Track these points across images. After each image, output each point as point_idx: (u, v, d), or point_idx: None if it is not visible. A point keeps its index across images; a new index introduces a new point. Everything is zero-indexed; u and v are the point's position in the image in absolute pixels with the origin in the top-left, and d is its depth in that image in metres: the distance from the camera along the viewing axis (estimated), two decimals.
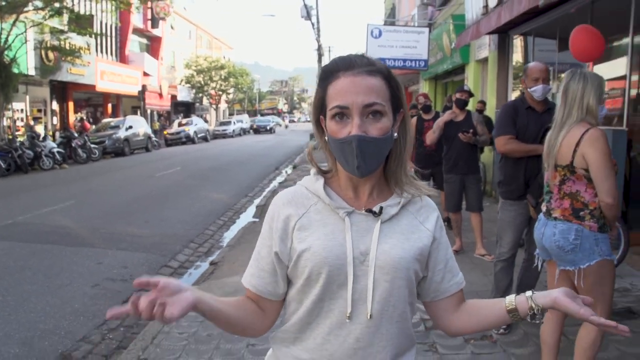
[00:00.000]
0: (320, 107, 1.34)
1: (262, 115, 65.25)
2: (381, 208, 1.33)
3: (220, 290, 5.45)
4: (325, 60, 32.22)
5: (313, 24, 27.49)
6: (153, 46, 38.70)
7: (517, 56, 10.67)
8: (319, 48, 31.83)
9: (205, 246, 7.74)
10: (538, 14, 8.20)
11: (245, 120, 47.23)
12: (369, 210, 1.33)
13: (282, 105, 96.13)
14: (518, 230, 4.19)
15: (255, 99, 77.08)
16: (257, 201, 11.48)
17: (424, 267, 1.38)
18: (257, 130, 47.76)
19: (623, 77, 6.97)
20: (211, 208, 10.34)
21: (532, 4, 6.52)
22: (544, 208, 3.08)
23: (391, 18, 26.29)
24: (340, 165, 1.33)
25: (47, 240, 7.52)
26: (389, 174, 1.38)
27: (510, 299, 1.30)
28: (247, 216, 9.95)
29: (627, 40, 6.74)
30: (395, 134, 1.32)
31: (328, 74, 1.31)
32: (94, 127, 26.42)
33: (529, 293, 1.28)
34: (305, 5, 26.27)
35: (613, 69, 7.56)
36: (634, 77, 6.85)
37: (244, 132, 44.41)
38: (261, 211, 9.95)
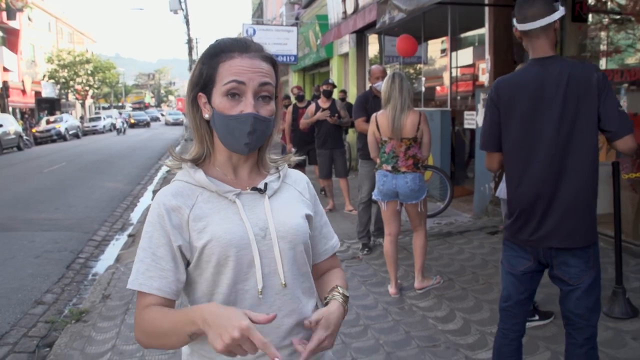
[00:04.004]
0: (202, 83, 1.33)
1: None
2: (265, 184, 1.39)
3: None
4: (197, 52, 32.97)
5: (186, 18, 28.22)
6: (10, 39, 36.57)
7: (372, 50, 12.71)
8: (190, 41, 32.58)
9: (118, 224, 8.88)
10: None
11: (114, 116, 46.47)
12: (254, 188, 1.38)
13: (150, 99, 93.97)
14: (372, 180, 6.00)
15: (122, 93, 74.80)
16: (150, 187, 12.65)
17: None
18: (135, 125, 47.56)
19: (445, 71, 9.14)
20: (111, 195, 11.32)
21: (376, 17, 8.36)
22: (386, 168, 4.55)
23: (258, 13, 27.80)
24: (224, 142, 1.35)
25: None
26: (261, 154, 1.44)
27: (329, 298, 1.42)
28: (146, 199, 11.11)
29: (446, 45, 8.89)
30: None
31: (219, 52, 1.31)
32: None
33: (332, 306, 1.38)
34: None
35: (440, 64, 9.76)
36: (454, 72, 9.04)
37: (114, 127, 43.83)
38: None
